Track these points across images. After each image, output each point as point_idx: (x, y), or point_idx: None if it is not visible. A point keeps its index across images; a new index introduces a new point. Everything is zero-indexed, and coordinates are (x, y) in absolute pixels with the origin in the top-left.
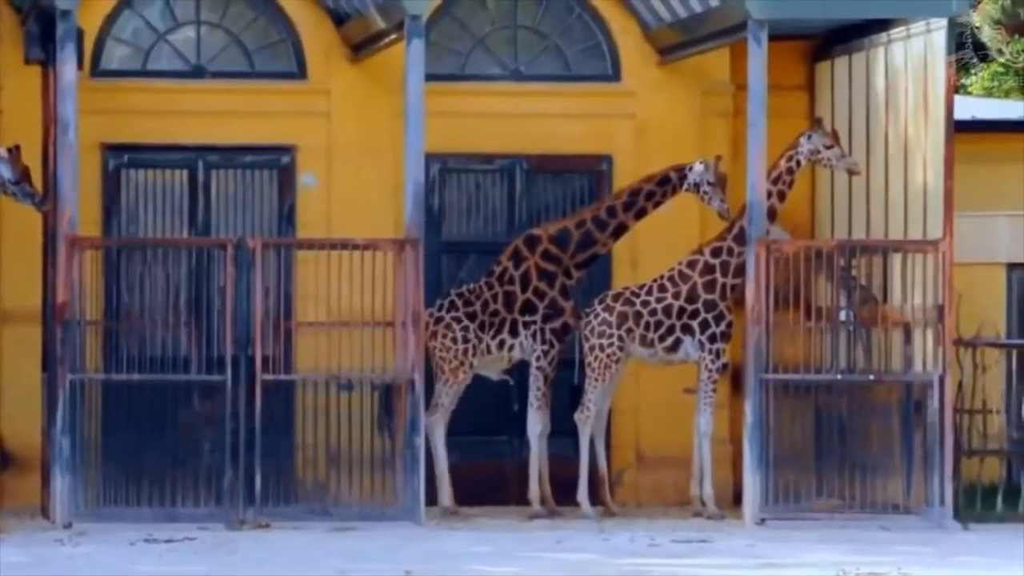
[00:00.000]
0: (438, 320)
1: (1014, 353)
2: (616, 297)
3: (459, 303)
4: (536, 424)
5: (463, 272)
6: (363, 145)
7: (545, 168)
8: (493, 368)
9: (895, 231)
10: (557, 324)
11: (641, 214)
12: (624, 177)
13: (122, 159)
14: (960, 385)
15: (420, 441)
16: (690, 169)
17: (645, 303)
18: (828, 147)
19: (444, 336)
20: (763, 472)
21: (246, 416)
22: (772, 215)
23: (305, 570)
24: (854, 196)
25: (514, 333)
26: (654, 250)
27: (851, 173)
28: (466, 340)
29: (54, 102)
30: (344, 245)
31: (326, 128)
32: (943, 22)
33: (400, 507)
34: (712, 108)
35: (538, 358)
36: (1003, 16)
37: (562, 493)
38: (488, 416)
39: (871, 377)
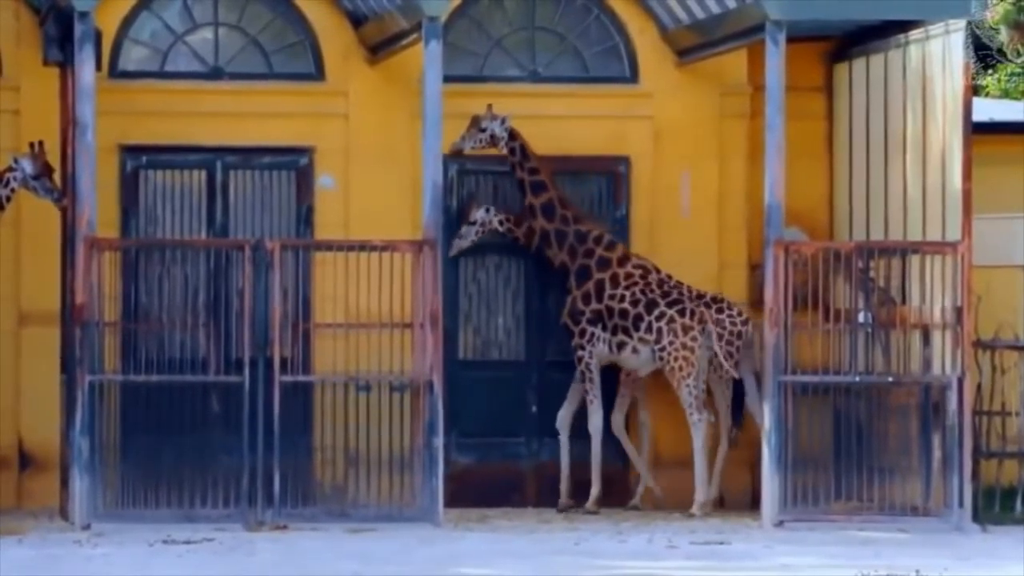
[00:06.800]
0: None
1: None
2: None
3: None
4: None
5: (481, 273)
6: (381, 146)
7: (562, 169)
8: None
9: (913, 233)
10: None
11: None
12: (641, 178)
13: (140, 160)
14: (979, 387)
15: (439, 442)
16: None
17: None
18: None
19: None
20: (781, 474)
21: (264, 417)
22: None
23: (321, 572)
24: (872, 198)
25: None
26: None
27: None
28: None
29: (72, 103)
30: (362, 246)
31: (344, 129)
32: (961, 23)
33: (418, 508)
34: (730, 109)
35: None
36: (1022, 17)
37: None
38: (505, 417)
39: (889, 379)
